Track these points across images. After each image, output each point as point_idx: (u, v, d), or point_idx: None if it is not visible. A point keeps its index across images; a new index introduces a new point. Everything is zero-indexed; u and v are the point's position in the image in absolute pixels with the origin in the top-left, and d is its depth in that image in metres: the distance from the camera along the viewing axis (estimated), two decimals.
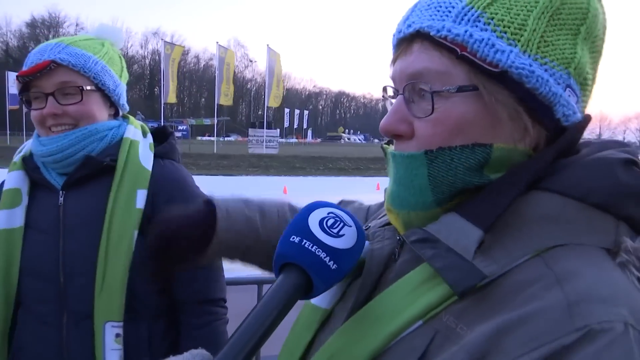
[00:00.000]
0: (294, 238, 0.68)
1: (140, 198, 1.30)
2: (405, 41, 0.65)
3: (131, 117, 1.48)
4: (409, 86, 0.64)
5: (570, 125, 0.62)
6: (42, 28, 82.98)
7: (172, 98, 29.49)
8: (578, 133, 0.64)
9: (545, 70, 0.60)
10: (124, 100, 1.44)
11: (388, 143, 0.74)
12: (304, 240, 0.67)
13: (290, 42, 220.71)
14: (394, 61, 0.68)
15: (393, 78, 0.68)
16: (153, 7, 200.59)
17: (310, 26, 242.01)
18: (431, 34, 0.61)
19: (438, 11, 0.62)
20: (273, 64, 30.77)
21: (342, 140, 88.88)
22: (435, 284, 0.60)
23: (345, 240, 0.69)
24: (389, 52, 0.72)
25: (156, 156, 1.40)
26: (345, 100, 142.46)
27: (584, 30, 0.62)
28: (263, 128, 34.54)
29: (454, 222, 0.61)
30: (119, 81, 1.41)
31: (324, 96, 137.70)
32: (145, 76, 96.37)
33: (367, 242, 0.74)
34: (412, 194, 0.65)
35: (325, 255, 0.66)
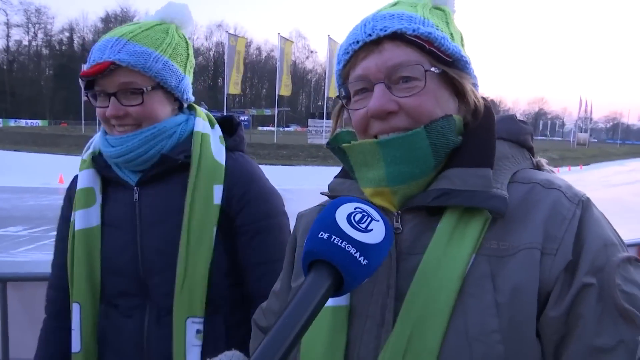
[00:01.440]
0: (322, 234, 0.66)
1: (218, 193, 1.30)
2: (373, 44, 0.80)
3: (197, 108, 1.44)
4: (389, 75, 0.79)
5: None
6: (115, 23, 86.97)
7: (235, 89, 30.06)
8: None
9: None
10: (188, 93, 1.38)
11: (335, 141, 0.89)
12: (333, 237, 0.65)
13: None
14: (359, 61, 0.82)
15: (366, 74, 0.81)
16: (217, 0, 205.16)
17: None
18: (407, 33, 0.79)
19: (402, 19, 0.80)
20: (333, 55, 30.63)
21: None
22: (466, 223, 0.75)
23: (374, 235, 0.67)
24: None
25: (227, 149, 1.38)
26: None
27: (463, 38, 0.89)
28: (322, 118, 34.67)
29: (460, 173, 0.77)
30: (183, 74, 1.33)
31: None
32: (209, 68, 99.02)
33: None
34: (417, 166, 0.78)
35: (355, 250, 0.64)
